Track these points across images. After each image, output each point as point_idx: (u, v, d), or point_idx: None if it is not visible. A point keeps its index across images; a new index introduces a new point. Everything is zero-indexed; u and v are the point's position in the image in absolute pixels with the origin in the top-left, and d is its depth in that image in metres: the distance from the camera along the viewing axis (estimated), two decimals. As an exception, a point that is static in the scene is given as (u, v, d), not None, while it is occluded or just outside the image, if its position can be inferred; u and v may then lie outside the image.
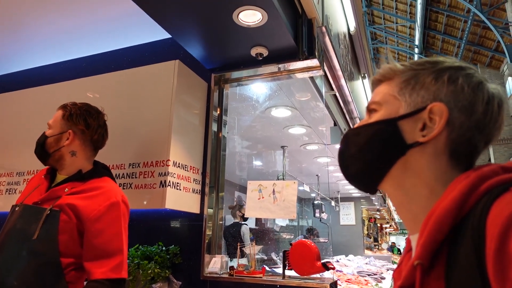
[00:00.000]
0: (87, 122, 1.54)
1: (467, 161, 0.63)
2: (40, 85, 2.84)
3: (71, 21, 2.75)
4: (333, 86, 3.21)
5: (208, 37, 2.29)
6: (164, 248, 2.26)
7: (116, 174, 2.20)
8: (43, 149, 1.51)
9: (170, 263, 2.22)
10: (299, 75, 2.56)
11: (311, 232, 7.31)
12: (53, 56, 3.30)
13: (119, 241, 1.39)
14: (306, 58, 2.34)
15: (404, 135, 0.63)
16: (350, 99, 3.62)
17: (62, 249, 1.33)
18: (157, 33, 2.79)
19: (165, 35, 2.76)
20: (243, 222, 4.35)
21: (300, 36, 2.35)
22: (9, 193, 2.56)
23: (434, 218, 0.52)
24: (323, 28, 2.48)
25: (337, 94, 3.38)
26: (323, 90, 2.82)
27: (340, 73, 3.07)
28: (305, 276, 2.03)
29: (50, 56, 3.30)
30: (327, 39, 2.63)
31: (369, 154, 0.67)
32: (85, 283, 1.41)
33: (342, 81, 3.18)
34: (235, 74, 2.64)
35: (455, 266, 0.49)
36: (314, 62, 2.37)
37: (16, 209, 1.41)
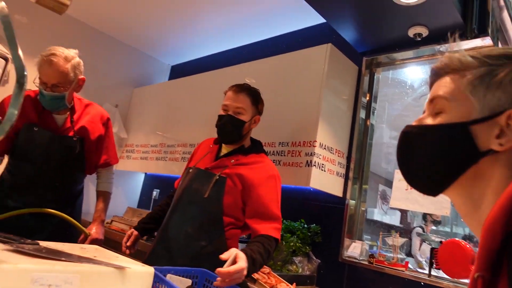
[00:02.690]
0: (262, 107, 1.78)
1: None
2: (208, 71, 3.28)
3: (237, 13, 3.08)
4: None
5: (363, 18, 2.24)
6: (306, 226, 2.37)
7: (267, 151, 2.39)
8: (239, 131, 1.66)
9: (311, 240, 2.32)
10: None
11: (470, 240, 6.42)
12: (220, 45, 3.76)
13: (276, 206, 1.58)
14: (476, 37, 2.06)
15: (477, 142, 0.58)
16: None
17: (225, 209, 1.56)
18: (312, 18, 2.88)
19: (319, 20, 2.82)
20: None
21: (470, 12, 2.07)
22: (183, 161, 3.08)
23: (484, 227, 0.48)
24: (501, 1, 2.12)
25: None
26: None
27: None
28: (455, 279, 1.84)
29: (218, 46, 3.77)
30: (505, 14, 2.25)
31: (436, 160, 0.62)
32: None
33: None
34: (389, 57, 2.51)
35: None
36: (485, 41, 2.06)
37: (190, 171, 1.70)
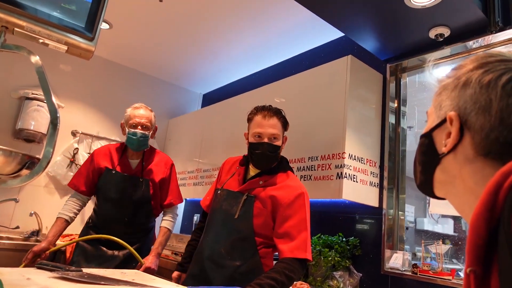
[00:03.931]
0: (288, 126, 1.77)
1: None
2: (237, 95, 3.38)
3: (257, 37, 3.19)
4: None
5: (380, 27, 2.24)
6: (344, 239, 2.33)
7: (297, 167, 2.42)
8: (276, 157, 1.68)
9: (350, 254, 2.27)
10: (499, 50, 2.18)
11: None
12: (246, 70, 3.88)
13: (305, 225, 1.57)
14: (501, 30, 1.99)
15: (436, 145, 0.67)
16: None
17: (256, 230, 1.59)
18: (331, 34, 2.92)
19: (338, 34, 2.85)
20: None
21: (492, 5, 2.02)
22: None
23: (470, 222, 0.50)
24: (525, -10, 2.05)
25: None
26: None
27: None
28: None
29: (244, 70, 3.90)
30: (533, 2, 2.16)
31: (418, 165, 0.72)
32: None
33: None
34: (413, 61, 2.48)
35: (501, 271, 0.46)
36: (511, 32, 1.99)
37: (219, 192, 1.76)
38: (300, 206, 1.59)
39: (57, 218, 2.14)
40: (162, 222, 2.26)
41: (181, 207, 4.34)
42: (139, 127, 2.17)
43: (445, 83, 0.68)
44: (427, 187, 0.72)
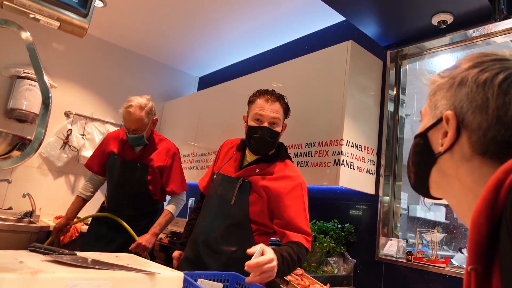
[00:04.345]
0: (289, 113, 1.72)
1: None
2: (234, 79, 3.33)
3: (257, 20, 3.12)
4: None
5: (382, 12, 2.20)
6: (339, 226, 2.34)
7: (294, 153, 2.40)
8: (275, 143, 1.64)
9: (345, 240, 2.28)
10: (498, 39, 2.16)
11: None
12: (244, 53, 3.81)
13: (304, 219, 1.54)
14: (506, 18, 1.96)
15: (432, 145, 0.66)
16: None
17: (252, 217, 1.57)
18: (332, 18, 2.86)
19: (340, 18, 2.79)
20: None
21: (497, -8, 1.97)
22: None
23: (471, 220, 0.50)
24: (532, -23, 2.00)
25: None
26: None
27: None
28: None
29: (242, 53, 3.83)
30: (538, -10, 2.12)
31: (412, 166, 0.71)
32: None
33: None
34: (414, 48, 2.44)
35: (503, 268, 0.46)
36: (517, 21, 1.96)
37: (215, 177, 1.73)
38: (299, 197, 1.56)
39: (76, 196, 2.40)
40: (166, 206, 2.34)
41: (175, 190, 4.32)
42: (131, 130, 2.21)
43: (440, 83, 0.67)
44: (422, 188, 0.71)
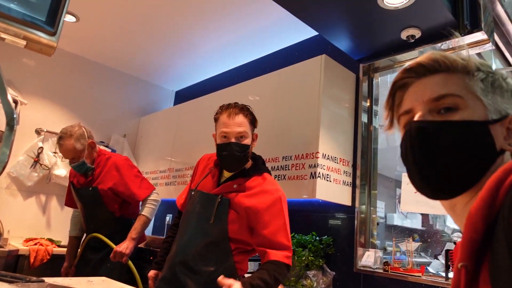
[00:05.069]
0: (257, 122, 1.67)
1: None
2: (211, 93, 3.33)
3: (232, 34, 3.14)
4: (512, 61, 2.68)
5: (354, 27, 2.26)
6: (317, 238, 2.34)
7: (272, 167, 2.40)
8: (246, 157, 1.59)
9: (324, 253, 2.28)
10: (464, 53, 2.25)
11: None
12: (220, 67, 3.82)
13: (285, 234, 1.52)
14: (469, 33, 2.05)
15: (495, 141, 0.59)
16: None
17: (231, 235, 1.54)
18: (305, 32, 2.92)
19: (313, 33, 2.85)
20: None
21: (460, 8, 2.07)
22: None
23: (467, 218, 0.50)
24: (492, -6, 2.12)
25: (519, 71, 2.81)
26: (494, 66, 2.39)
27: (520, 44, 2.55)
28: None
29: (218, 67, 3.84)
30: (499, 7, 2.24)
31: (459, 158, 0.58)
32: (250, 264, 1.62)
33: (525, 54, 2.63)
34: (385, 62, 2.51)
35: (495, 266, 0.46)
36: (479, 35, 2.05)
37: (192, 193, 1.70)
38: (279, 212, 1.53)
39: (68, 238, 2.52)
40: (140, 210, 2.36)
41: (153, 207, 4.23)
42: (69, 159, 2.27)
43: (493, 77, 0.64)
44: (462, 184, 0.59)
